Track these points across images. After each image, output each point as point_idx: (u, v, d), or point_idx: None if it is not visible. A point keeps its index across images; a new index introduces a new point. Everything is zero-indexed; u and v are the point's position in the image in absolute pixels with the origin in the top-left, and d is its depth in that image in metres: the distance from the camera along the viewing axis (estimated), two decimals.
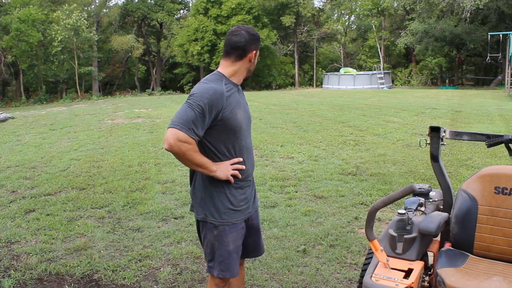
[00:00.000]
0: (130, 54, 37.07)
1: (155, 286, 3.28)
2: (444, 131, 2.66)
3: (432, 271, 2.41)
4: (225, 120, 2.18)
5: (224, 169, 2.22)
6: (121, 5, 37.82)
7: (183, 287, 3.25)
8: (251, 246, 2.52)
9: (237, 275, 2.33)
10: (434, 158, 2.65)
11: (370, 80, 30.17)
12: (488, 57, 24.18)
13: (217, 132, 2.21)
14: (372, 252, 2.22)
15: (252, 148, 2.43)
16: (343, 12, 37.30)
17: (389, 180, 5.76)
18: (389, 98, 18.67)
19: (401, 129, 9.91)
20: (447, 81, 32.60)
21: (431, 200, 2.61)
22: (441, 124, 10.17)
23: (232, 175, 2.25)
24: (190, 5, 39.71)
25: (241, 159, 2.28)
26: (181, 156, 2.12)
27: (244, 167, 2.29)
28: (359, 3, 35.01)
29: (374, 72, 31.08)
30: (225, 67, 2.26)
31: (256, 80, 36.41)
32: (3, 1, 32.29)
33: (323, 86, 33.21)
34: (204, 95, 2.12)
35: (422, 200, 2.48)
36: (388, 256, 2.15)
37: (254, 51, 2.26)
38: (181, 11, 41.03)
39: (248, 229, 2.43)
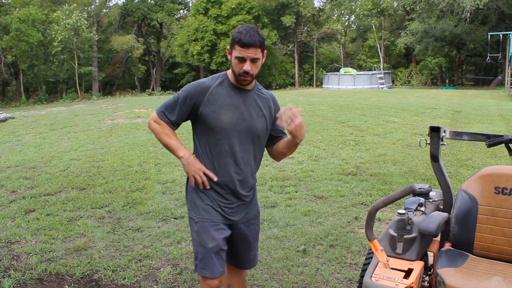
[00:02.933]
0: (130, 54, 37.06)
1: (155, 286, 3.28)
2: (444, 131, 2.66)
3: (432, 271, 2.41)
4: (205, 117, 2.17)
5: (192, 166, 2.19)
6: (121, 5, 37.82)
7: (183, 287, 3.25)
8: (239, 256, 2.44)
9: (219, 276, 2.24)
10: (434, 158, 2.65)
11: (370, 80, 30.16)
12: (488, 57, 24.18)
13: (201, 126, 2.22)
14: (372, 252, 2.22)
15: (249, 159, 2.26)
16: (343, 12, 37.26)
17: (389, 180, 5.76)
18: (389, 98, 18.67)
19: (401, 129, 9.90)
20: (447, 81, 32.61)
21: (431, 200, 2.61)
22: (441, 124, 10.17)
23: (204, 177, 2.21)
24: (190, 5, 39.70)
25: (214, 178, 2.20)
26: (154, 134, 2.27)
27: (215, 178, 2.20)
28: (359, 3, 34.99)
29: (374, 72, 31.07)
30: None
31: (256, 80, 36.40)
32: (3, 1, 32.29)
33: (323, 86, 33.20)
34: (188, 87, 2.21)
35: (422, 200, 2.48)
36: (388, 256, 2.15)
37: (228, 48, 2.16)
38: (181, 11, 41.04)
39: (236, 238, 2.36)
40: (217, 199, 2.23)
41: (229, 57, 2.15)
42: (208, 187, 2.21)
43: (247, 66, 2.09)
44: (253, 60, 2.10)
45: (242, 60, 2.08)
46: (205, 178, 2.19)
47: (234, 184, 2.23)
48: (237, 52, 2.08)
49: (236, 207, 2.28)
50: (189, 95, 2.17)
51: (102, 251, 3.88)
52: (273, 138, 2.38)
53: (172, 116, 2.20)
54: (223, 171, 2.21)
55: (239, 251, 2.41)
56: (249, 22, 31.90)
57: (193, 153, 2.29)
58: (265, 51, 2.15)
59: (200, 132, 2.23)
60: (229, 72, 2.24)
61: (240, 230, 2.34)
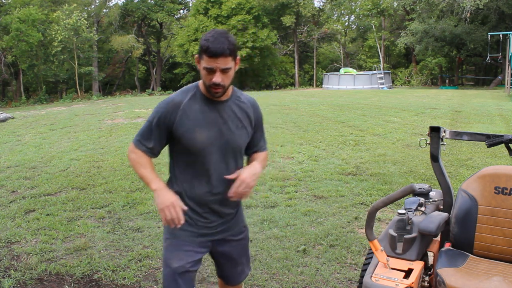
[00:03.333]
0: (130, 54, 37.06)
1: (155, 286, 3.28)
2: (444, 131, 2.66)
3: (432, 271, 2.41)
4: (179, 137, 1.97)
5: (165, 201, 1.93)
6: (121, 5, 37.82)
7: None
8: (225, 274, 2.30)
9: None
10: (434, 158, 2.65)
11: (370, 80, 30.16)
12: (488, 57, 24.18)
13: (177, 146, 2.03)
14: (372, 252, 2.22)
15: (232, 172, 2.05)
16: (343, 12, 37.29)
17: (389, 180, 5.76)
18: (389, 98, 18.67)
19: (401, 129, 9.90)
20: (447, 81, 32.61)
21: (431, 200, 2.61)
22: (441, 124, 10.17)
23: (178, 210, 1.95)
24: (190, 5, 39.72)
25: (185, 208, 1.98)
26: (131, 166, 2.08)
27: (185, 208, 1.98)
28: (359, 3, 35.00)
29: (374, 72, 31.08)
30: None
31: (256, 80, 36.43)
32: (3, 1, 32.29)
33: (323, 86, 33.20)
34: (159, 107, 2.00)
35: (422, 200, 2.48)
36: (388, 256, 2.15)
37: (197, 56, 1.93)
38: (181, 11, 41.06)
39: (219, 256, 2.22)
40: (195, 218, 2.06)
41: (198, 66, 1.93)
42: (179, 225, 1.95)
43: (217, 78, 1.87)
44: (224, 71, 1.88)
45: (211, 71, 1.87)
46: (179, 215, 1.93)
47: (214, 203, 2.06)
48: (205, 62, 1.86)
49: (216, 225, 2.11)
50: (161, 115, 1.96)
51: (102, 251, 3.88)
52: (248, 148, 2.17)
53: (149, 143, 2.01)
54: (202, 191, 2.03)
55: (224, 269, 2.27)
56: (249, 22, 31.94)
57: (169, 170, 2.12)
58: (238, 57, 1.94)
59: (176, 152, 2.06)
60: (201, 83, 2.01)
61: (222, 248, 2.17)
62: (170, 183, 2.10)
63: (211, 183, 2.03)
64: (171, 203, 1.93)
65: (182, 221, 1.95)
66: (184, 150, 2.01)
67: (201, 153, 1.98)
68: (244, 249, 2.27)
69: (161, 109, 1.98)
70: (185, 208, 1.97)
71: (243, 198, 2.03)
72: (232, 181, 2.01)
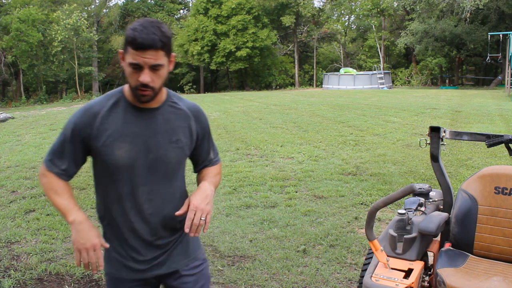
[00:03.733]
0: None
1: None
2: (444, 131, 2.67)
3: (432, 271, 2.42)
4: (98, 154, 1.62)
5: (81, 238, 1.57)
6: (121, 5, 37.88)
7: None
8: None
9: None
10: (434, 158, 2.65)
11: (370, 80, 30.17)
12: (488, 57, 24.19)
13: (97, 164, 1.69)
14: (372, 252, 2.22)
15: (167, 198, 1.69)
16: (343, 12, 37.32)
17: (389, 180, 5.76)
18: (389, 98, 18.67)
19: (401, 129, 9.91)
20: (447, 81, 32.61)
21: (431, 200, 2.62)
22: (441, 124, 10.17)
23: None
24: (190, 5, 39.74)
25: (107, 245, 1.65)
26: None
27: (107, 245, 1.65)
28: (359, 3, 35.02)
29: (374, 72, 31.08)
30: None
31: (256, 80, 36.44)
32: (3, 1, 32.32)
33: (323, 86, 33.21)
34: (72, 117, 1.63)
35: (422, 200, 2.48)
36: (388, 256, 2.15)
37: (121, 51, 1.56)
38: (181, 11, 41.12)
39: None
40: (128, 250, 1.70)
41: (122, 64, 1.55)
42: (95, 271, 1.62)
43: (144, 77, 1.50)
44: (154, 68, 1.51)
45: (137, 68, 1.49)
46: (99, 261, 1.59)
47: (144, 232, 1.67)
48: (131, 57, 1.48)
49: (152, 259, 1.71)
50: (75, 128, 1.60)
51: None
52: (196, 163, 1.82)
53: (62, 163, 1.63)
54: (130, 219, 1.65)
55: None
56: (249, 22, 31.95)
57: (95, 194, 1.78)
58: (173, 54, 1.59)
59: (97, 170, 1.70)
60: (126, 87, 1.64)
61: (173, 283, 1.78)
62: (97, 209, 1.77)
63: (141, 209, 1.65)
64: (91, 245, 1.57)
65: (101, 267, 1.62)
66: (105, 170, 1.64)
67: (124, 173, 1.61)
68: (203, 284, 1.82)
69: (76, 120, 1.61)
70: (107, 245, 1.65)
71: (204, 231, 1.61)
72: (170, 202, 1.68)
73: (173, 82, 40.27)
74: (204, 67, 35.53)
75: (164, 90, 1.70)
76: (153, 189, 1.65)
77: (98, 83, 34.86)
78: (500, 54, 24.99)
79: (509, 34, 21.74)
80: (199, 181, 1.79)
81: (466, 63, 34.66)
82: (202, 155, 1.80)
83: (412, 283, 2.02)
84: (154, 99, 1.61)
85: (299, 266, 3.51)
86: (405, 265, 2.14)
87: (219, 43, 32.12)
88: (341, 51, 39.72)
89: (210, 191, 1.66)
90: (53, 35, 28.64)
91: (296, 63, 37.65)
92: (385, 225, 4.25)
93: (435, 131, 2.64)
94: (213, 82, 41.50)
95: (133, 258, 1.70)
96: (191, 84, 37.14)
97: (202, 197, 1.61)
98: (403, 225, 2.27)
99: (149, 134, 1.62)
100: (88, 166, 1.79)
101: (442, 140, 2.66)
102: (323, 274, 3.35)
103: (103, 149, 1.59)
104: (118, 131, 1.59)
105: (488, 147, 2.62)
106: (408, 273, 2.09)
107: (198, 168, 1.83)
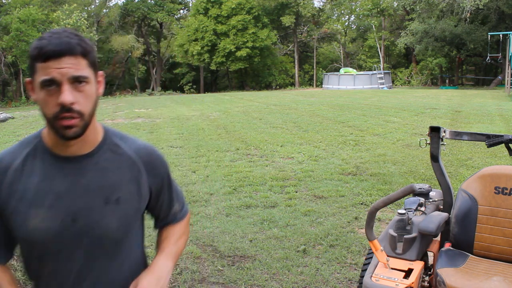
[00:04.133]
0: (130, 54, 37.10)
1: None
2: (444, 131, 2.67)
3: (432, 271, 2.42)
4: (10, 225, 1.18)
5: None
6: (121, 5, 37.89)
7: (183, 287, 3.25)
8: None
9: None
10: (434, 158, 2.65)
11: (370, 80, 30.17)
12: (488, 57, 24.18)
13: (19, 242, 1.23)
14: (372, 252, 2.22)
15: (114, 276, 1.25)
16: (343, 12, 37.33)
17: (389, 180, 5.76)
18: (389, 98, 18.67)
19: (401, 129, 9.91)
20: (447, 81, 32.62)
21: (431, 200, 2.62)
22: (441, 124, 10.16)
23: None
24: (190, 5, 39.76)
25: None
26: None
27: None
28: (359, 3, 35.03)
29: (374, 72, 31.09)
30: None
31: (256, 80, 36.45)
32: (3, 1, 32.33)
33: (323, 86, 33.22)
34: None
35: (422, 200, 2.49)
36: (388, 256, 2.15)
37: (28, 80, 1.15)
38: (181, 11, 41.14)
39: None
40: None
41: (32, 97, 1.16)
42: None
43: (65, 95, 1.05)
44: (76, 81, 1.07)
45: (51, 84, 1.06)
46: None
47: None
48: (41, 73, 1.06)
49: None
50: None
51: None
52: (156, 219, 1.40)
53: None
54: None
55: None
56: (249, 22, 31.96)
57: None
58: (101, 72, 1.17)
59: (20, 248, 1.25)
60: (44, 130, 1.22)
61: None
62: None
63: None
64: None
65: None
66: (23, 245, 1.22)
67: (41, 247, 1.17)
68: None
69: None
70: None
71: None
72: (112, 285, 1.26)
73: (173, 82, 40.35)
74: (204, 67, 35.56)
75: (100, 128, 1.23)
76: (84, 269, 1.20)
77: None
78: (500, 54, 24.98)
79: (509, 34, 21.73)
80: (157, 245, 1.38)
81: (466, 63, 34.67)
82: (162, 210, 1.37)
83: (412, 283, 2.02)
84: (84, 138, 1.15)
85: (299, 266, 3.50)
86: (405, 265, 2.15)
87: (219, 43, 32.13)
88: (341, 51, 39.73)
89: (165, 271, 1.26)
90: None
91: (296, 63, 37.66)
92: (385, 225, 4.25)
93: (435, 131, 2.64)
94: (213, 82, 41.55)
95: None
96: (191, 84, 37.19)
97: (153, 280, 1.22)
98: (403, 225, 2.27)
99: (76, 193, 1.16)
100: None
101: (442, 140, 2.66)
102: (323, 274, 3.35)
103: (15, 218, 1.15)
104: (33, 192, 1.15)
105: (488, 147, 2.62)
106: (408, 273, 2.09)
107: (159, 225, 1.41)
